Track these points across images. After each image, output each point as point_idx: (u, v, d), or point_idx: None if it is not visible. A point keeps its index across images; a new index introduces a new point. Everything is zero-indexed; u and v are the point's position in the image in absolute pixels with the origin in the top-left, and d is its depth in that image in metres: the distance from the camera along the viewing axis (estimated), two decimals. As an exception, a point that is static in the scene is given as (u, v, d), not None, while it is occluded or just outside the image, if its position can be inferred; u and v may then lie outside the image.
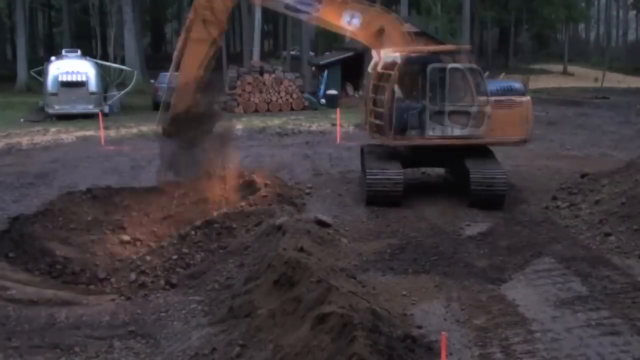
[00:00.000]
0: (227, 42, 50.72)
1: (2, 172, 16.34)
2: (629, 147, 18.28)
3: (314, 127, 23.92)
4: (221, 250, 10.21)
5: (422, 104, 12.70)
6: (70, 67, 28.14)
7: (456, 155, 12.88)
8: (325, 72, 32.59)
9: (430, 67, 12.43)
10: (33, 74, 33.29)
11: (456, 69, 12.56)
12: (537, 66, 53.69)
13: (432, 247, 10.28)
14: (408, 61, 12.55)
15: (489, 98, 12.47)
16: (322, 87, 32.12)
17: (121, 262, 10.24)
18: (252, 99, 29.36)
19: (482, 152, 12.90)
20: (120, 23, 39.97)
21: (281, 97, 29.59)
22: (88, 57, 30.59)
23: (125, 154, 19.03)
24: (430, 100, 12.63)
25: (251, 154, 18.62)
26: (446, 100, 12.44)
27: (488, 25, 57.15)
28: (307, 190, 13.92)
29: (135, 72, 33.68)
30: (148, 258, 10.19)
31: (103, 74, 30.87)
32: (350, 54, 32.23)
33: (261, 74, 29.46)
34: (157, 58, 57.73)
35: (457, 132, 12.52)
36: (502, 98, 12.82)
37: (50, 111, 27.77)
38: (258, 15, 33.40)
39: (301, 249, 8.53)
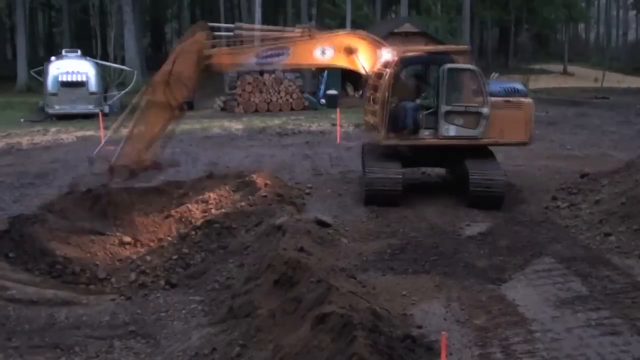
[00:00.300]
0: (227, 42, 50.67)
1: (2, 172, 16.35)
2: (629, 147, 18.28)
3: (314, 127, 23.92)
4: (221, 250, 10.22)
5: (418, 103, 12.72)
6: (70, 67, 28.17)
7: (456, 156, 12.87)
8: (325, 72, 32.55)
9: (429, 67, 12.43)
10: (33, 74, 33.31)
11: (454, 69, 12.52)
12: (537, 66, 53.72)
13: (432, 247, 10.28)
14: (401, 61, 12.53)
15: (488, 99, 12.39)
16: (322, 87, 32.11)
17: (121, 262, 10.25)
18: (252, 99, 29.37)
19: (482, 152, 12.89)
20: (120, 23, 40.00)
21: (281, 97, 29.60)
22: (88, 57, 30.62)
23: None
24: (427, 100, 12.65)
25: (251, 154, 18.62)
26: (442, 100, 12.41)
27: (488, 25, 57.17)
28: (307, 190, 13.92)
29: (135, 72, 33.69)
30: (148, 258, 10.21)
31: (103, 74, 30.89)
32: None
33: (261, 74, 29.44)
34: (157, 58, 57.65)
35: (453, 132, 12.47)
36: (505, 99, 12.76)
37: (50, 111, 27.78)
38: (258, 15, 33.41)
39: (301, 249, 8.54)
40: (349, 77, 33.20)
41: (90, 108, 27.44)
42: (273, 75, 29.50)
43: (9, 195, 13.91)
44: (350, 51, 12.85)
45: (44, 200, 12.59)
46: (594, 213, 11.30)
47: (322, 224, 10.95)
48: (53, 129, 23.94)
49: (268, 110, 29.16)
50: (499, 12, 52.54)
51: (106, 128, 22.38)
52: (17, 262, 9.73)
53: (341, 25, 44.82)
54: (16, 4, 41.07)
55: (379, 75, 12.81)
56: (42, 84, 29.79)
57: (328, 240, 10.36)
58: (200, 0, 69.43)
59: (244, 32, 13.26)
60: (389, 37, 27.01)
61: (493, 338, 7.26)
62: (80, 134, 22.86)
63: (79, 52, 30.78)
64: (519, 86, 13.54)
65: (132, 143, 12.31)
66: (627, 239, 10.14)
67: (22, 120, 27.20)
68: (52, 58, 29.81)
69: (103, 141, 13.78)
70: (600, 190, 12.13)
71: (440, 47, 14.68)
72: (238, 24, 13.76)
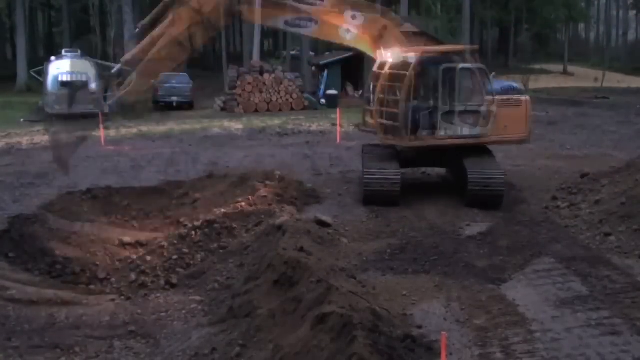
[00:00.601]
0: (227, 42, 50.69)
1: (2, 172, 16.35)
2: (629, 147, 18.28)
3: (314, 127, 23.92)
4: (221, 250, 10.22)
5: (432, 104, 12.79)
6: (70, 67, 28.16)
7: (455, 155, 12.89)
8: (325, 72, 32.60)
9: (442, 67, 12.45)
10: (33, 74, 33.28)
11: (466, 69, 12.61)
12: (537, 66, 53.71)
13: (432, 247, 10.28)
14: (422, 62, 12.54)
15: (495, 97, 12.54)
16: (322, 87, 32.13)
17: (121, 262, 10.24)
18: (252, 99, 29.36)
19: (481, 152, 12.91)
20: (120, 23, 39.97)
21: (281, 97, 29.60)
22: (88, 57, 30.61)
23: (125, 154, 19.03)
24: (439, 100, 12.69)
25: (251, 154, 18.62)
26: (456, 100, 12.49)
27: (488, 25, 57.17)
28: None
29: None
30: (148, 258, 10.19)
31: (103, 74, 30.87)
32: (350, 54, 32.22)
33: (261, 74, 29.46)
34: (157, 58, 57.63)
35: (467, 131, 12.57)
36: (505, 97, 12.90)
37: (50, 111, 27.78)
38: (258, 15, 33.36)
39: (301, 249, 8.54)
40: (349, 77, 33.24)
41: (90, 108, 27.42)
42: (273, 75, 29.50)
43: (9, 195, 13.90)
44: (374, 38, 12.88)
45: (44, 200, 12.59)
46: (594, 213, 11.30)
47: (322, 224, 10.95)
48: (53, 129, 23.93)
49: (268, 110, 29.16)
50: (499, 12, 52.55)
51: (106, 128, 22.43)
52: (17, 262, 9.73)
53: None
54: (16, 4, 41.05)
55: (392, 77, 12.71)
56: (42, 84, 29.79)
57: (328, 240, 10.36)
58: (200, 0, 69.24)
59: None
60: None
61: (493, 338, 7.26)
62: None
63: (79, 52, 30.79)
64: (515, 84, 13.79)
65: (140, 75, 12.17)
66: (627, 239, 10.14)
67: (22, 120, 27.20)
68: (52, 58, 29.81)
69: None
70: (600, 190, 12.13)
71: (455, 47, 14.62)
72: None
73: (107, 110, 28.35)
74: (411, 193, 13.14)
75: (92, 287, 9.44)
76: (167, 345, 7.60)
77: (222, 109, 30.13)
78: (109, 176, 15.53)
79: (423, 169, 15.52)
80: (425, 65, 12.76)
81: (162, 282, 9.46)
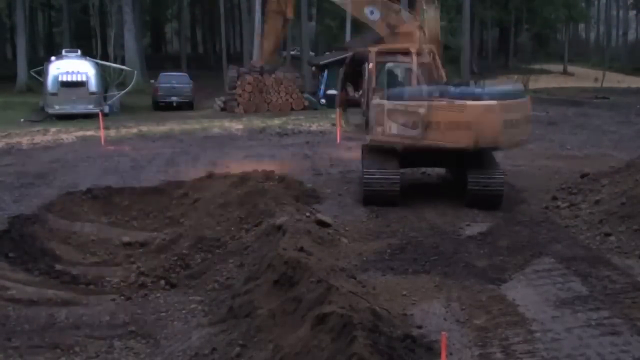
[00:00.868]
0: (227, 42, 50.72)
1: (2, 172, 16.34)
2: (629, 147, 18.28)
3: (314, 127, 23.93)
4: (221, 250, 10.21)
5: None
6: (70, 67, 28.17)
7: (455, 156, 12.88)
8: (325, 72, 32.60)
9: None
10: (33, 74, 33.33)
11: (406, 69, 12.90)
12: (537, 66, 53.75)
13: (432, 247, 10.28)
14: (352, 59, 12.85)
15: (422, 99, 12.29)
16: (322, 87, 32.13)
17: (121, 262, 10.24)
18: (252, 99, 29.36)
19: (481, 152, 12.88)
20: (120, 23, 40.03)
21: (281, 97, 29.59)
22: (88, 57, 30.63)
23: (125, 154, 19.03)
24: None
25: (251, 154, 18.63)
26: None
27: (488, 25, 57.19)
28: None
29: (135, 72, 33.73)
30: (148, 258, 10.18)
31: (103, 74, 30.91)
32: (350, 54, 32.25)
33: (261, 74, 29.47)
34: (157, 58, 57.82)
35: (396, 131, 12.36)
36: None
37: (50, 111, 27.79)
38: (258, 15, 33.39)
39: (301, 249, 8.53)
40: (349, 77, 33.20)
41: (90, 108, 27.45)
42: (273, 75, 29.51)
43: (9, 195, 13.90)
44: (392, 27, 13.08)
45: (44, 200, 12.59)
46: (594, 213, 11.30)
47: (322, 224, 10.94)
48: (53, 129, 23.94)
49: (268, 110, 29.16)
50: (499, 12, 52.59)
51: (106, 128, 22.44)
52: (17, 262, 9.72)
53: (341, 26, 44.84)
54: (16, 4, 41.07)
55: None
56: (42, 84, 29.80)
57: (328, 240, 10.36)
58: (200, 0, 69.46)
59: None
60: (389, 37, 27.04)
61: (493, 338, 7.26)
62: (80, 134, 22.87)
63: (79, 52, 30.80)
64: (510, 87, 13.83)
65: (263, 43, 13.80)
66: (627, 239, 10.14)
67: (22, 120, 27.21)
68: (52, 58, 29.83)
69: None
70: (600, 190, 12.13)
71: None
72: None
73: (107, 110, 28.47)
74: (411, 193, 13.14)
75: (92, 287, 9.44)
76: (167, 345, 7.60)
77: (222, 109, 30.13)
78: (109, 176, 15.53)
79: (423, 169, 15.53)
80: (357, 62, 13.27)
81: (162, 282, 9.46)
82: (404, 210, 12.37)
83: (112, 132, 22.96)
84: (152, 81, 33.68)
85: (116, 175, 15.88)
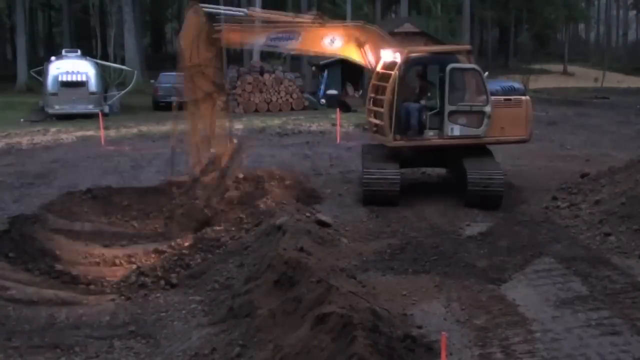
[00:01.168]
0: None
1: (2, 172, 16.34)
2: (629, 147, 18.27)
3: (314, 127, 23.92)
4: (221, 250, 10.21)
5: (423, 104, 12.79)
6: (70, 67, 28.16)
7: (454, 155, 12.89)
8: (325, 72, 32.59)
9: (447, 68, 12.47)
10: (33, 74, 33.31)
11: (457, 69, 12.60)
12: (537, 66, 53.66)
13: (432, 247, 10.28)
14: (408, 62, 12.56)
15: (489, 97, 12.50)
16: (322, 87, 32.12)
17: (121, 262, 10.24)
18: (252, 99, 29.36)
19: (481, 152, 12.91)
20: (120, 23, 39.99)
21: (281, 97, 29.60)
22: (88, 57, 30.61)
23: (125, 154, 19.02)
24: (431, 100, 12.71)
25: (251, 154, 18.58)
26: (447, 100, 12.46)
27: (488, 25, 57.19)
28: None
29: (135, 72, 33.68)
30: (148, 259, 10.19)
31: (103, 74, 30.89)
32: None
33: (261, 74, 29.46)
34: (157, 58, 57.75)
35: (457, 132, 12.54)
36: (505, 98, 12.88)
37: (50, 111, 27.77)
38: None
39: (301, 249, 8.54)
40: (349, 77, 33.22)
41: (90, 108, 27.43)
42: (273, 75, 29.50)
43: (9, 195, 13.90)
44: (359, 43, 12.91)
45: (44, 200, 12.59)
46: (594, 213, 11.30)
47: (322, 224, 10.94)
48: (53, 129, 23.93)
49: (268, 110, 29.16)
50: (499, 12, 52.59)
51: (106, 128, 22.43)
52: (17, 262, 9.72)
53: (341, 25, 44.75)
54: (16, 4, 41.06)
55: (382, 77, 12.83)
56: (42, 84, 29.78)
57: (328, 240, 10.35)
58: (200, 0, 69.33)
59: (255, 14, 13.43)
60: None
61: (493, 338, 7.26)
62: (80, 134, 22.87)
63: (79, 52, 30.79)
64: (516, 85, 13.78)
65: (197, 147, 13.13)
66: (627, 239, 10.14)
67: (22, 120, 27.19)
68: (52, 58, 29.80)
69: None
70: (600, 190, 12.13)
71: (445, 47, 14.74)
72: (251, 8, 13.91)
73: (107, 110, 28.45)
74: (411, 193, 13.14)
75: (92, 287, 9.44)
76: (167, 345, 7.60)
77: (222, 109, 30.11)
78: (109, 176, 15.53)
79: (423, 169, 15.53)
80: (411, 66, 12.78)
81: (162, 282, 9.46)
82: (404, 210, 12.37)
83: (112, 132, 22.95)
84: (152, 81, 33.65)
85: (116, 175, 15.88)
